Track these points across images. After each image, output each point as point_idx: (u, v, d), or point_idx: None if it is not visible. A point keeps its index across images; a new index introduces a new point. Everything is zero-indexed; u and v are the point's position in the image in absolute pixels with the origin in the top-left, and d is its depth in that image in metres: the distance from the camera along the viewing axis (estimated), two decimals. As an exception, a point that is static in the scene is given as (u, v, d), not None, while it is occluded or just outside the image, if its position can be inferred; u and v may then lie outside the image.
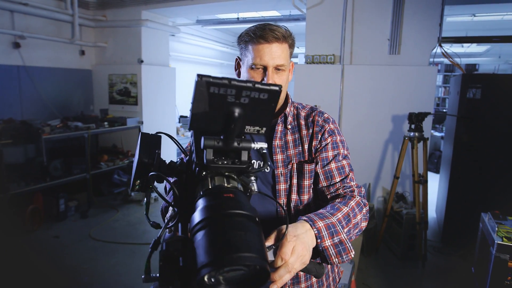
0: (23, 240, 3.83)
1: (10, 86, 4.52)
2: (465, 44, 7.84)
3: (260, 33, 1.08)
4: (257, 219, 0.58)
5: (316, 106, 1.31)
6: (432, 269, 3.39)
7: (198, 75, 0.54)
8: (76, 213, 4.50)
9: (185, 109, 7.88)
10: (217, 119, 0.59)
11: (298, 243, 0.83)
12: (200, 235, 0.53)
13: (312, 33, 4.17)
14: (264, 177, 1.17)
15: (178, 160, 0.81)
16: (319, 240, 0.90)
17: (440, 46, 3.71)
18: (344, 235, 0.96)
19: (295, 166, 1.15)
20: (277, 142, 1.17)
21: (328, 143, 1.15)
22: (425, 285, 3.20)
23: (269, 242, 0.81)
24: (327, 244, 0.91)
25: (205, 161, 0.62)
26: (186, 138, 6.94)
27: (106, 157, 5.10)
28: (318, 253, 0.92)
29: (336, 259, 0.92)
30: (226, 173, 0.64)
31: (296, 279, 1.15)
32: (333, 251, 0.92)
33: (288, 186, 1.15)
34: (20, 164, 4.27)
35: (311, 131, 1.18)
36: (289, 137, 1.19)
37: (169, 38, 6.00)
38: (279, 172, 1.15)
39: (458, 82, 3.71)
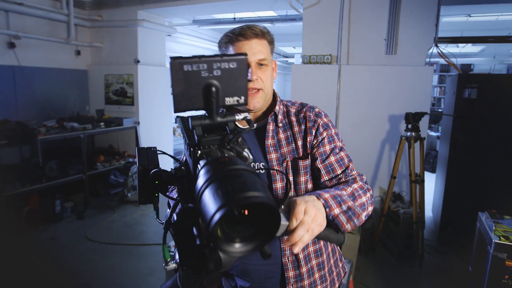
0: (19, 242, 3.80)
1: (5, 87, 4.49)
2: (460, 44, 7.89)
3: (239, 31, 1.10)
4: (256, 172, 0.60)
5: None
6: (429, 268, 3.41)
7: (171, 57, 0.60)
8: (72, 214, 4.47)
9: (182, 109, 7.85)
10: (197, 96, 0.63)
11: (309, 205, 0.82)
12: (205, 194, 0.55)
13: (309, 33, 4.17)
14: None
15: (177, 165, 0.83)
16: (327, 210, 0.91)
17: (437, 46, 3.72)
18: (352, 203, 0.97)
19: (289, 164, 1.15)
20: (269, 141, 1.17)
21: (324, 137, 1.15)
22: (423, 285, 3.21)
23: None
24: (336, 212, 0.93)
25: (196, 138, 0.65)
26: (181, 139, 6.91)
27: (103, 157, 5.07)
28: (329, 224, 0.92)
29: (348, 225, 0.94)
30: (220, 148, 0.67)
31: (299, 277, 1.15)
32: (343, 217, 0.93)
33: (284, 184, 1.15)
34: (15, 165, 4.24)
35: (303, 127, 1.17)
36: (281, 135, 1.18)
37: (165, 38, 5.98)
38: (275, 170, 1.16)
39: (454, 82, 3.73)
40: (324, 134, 1.15)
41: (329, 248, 1.24)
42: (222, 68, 0.62)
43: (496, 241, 2.10)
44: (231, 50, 1.12)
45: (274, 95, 1.24)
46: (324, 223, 0.85)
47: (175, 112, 0.65)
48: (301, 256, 1.15)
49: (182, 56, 0.60)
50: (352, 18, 3.96)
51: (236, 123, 0.69)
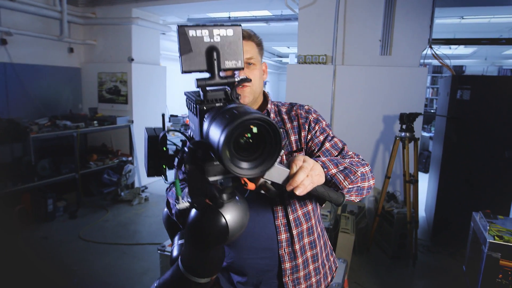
0: (10, 241, 3.75)
1: (-4, 84, 4.42)
2: (452, 46, 7.97)
3: None
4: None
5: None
6: (423, 267, 3.43)
7: (178, 26, 0.69)
8: (64, 213, 4.42)
9: (176, 108, 7.83)
10: (201, 58, 0.72)
11: (307, 158, 0.88)
12: (212, 126, 0.63)
13: (304, 33, 4.18)
14: None
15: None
16: (325, 170, 0.97)
17: (431, 47, 3.75)
18: (348, 165, 1.03)
19: (284, 157, 1.21)
20: None
21: (316, 131, 1.24)
22: (416, 284, 3.23)
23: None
24: (333, 172, 0.99)
25: (201, 94, 0.71)
26: (177, 137, 6.88)
27: (96, 156, 5.03)
28: (328, 184, 0.98)
29: (346, 182, 0.99)
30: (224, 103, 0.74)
31: (295, 268, 1.20)
32: (341, 175, 0.99)
33: None
34: (7, 164, 4.17)
35: (296, 123, 1.25)
36: None
37: (159, 37, 5.95)
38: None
39: (448, 83, 3.76)
40: (316, 127, 1.24)
41: (321, 242, 1.31)
42: (222, 35, 0.72)
43: (490, 240, 2.12)
44: None
45: (265, 96, 1.31)
46: (323, 175, 0.91)
47: (182, 73, 0.71)
48: (297, 247, 1.19)
49: (187, 24, 0.69)
50: (348, 19, 3.97)
51: None
